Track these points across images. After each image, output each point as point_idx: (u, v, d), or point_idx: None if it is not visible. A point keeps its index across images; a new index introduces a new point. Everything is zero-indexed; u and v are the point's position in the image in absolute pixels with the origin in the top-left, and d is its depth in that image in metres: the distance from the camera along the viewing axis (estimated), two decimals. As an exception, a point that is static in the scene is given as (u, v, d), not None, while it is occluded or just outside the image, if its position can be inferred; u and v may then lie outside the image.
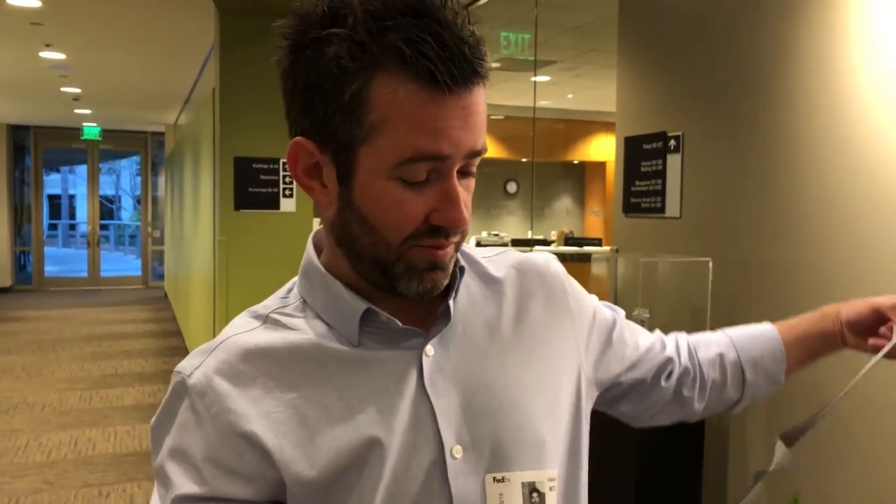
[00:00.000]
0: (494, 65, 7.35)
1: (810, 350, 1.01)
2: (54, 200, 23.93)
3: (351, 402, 0.72)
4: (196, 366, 0.73)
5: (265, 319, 0.76)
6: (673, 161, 3.04)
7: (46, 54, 6.69)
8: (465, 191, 0.70)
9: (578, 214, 11.68)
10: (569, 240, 9.74)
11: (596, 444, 0.90)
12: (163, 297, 11.77)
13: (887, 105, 2.21)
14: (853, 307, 0.97)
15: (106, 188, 22.47)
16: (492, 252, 0.87)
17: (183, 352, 7.63)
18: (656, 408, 0.96)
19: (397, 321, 0.73)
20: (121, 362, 7.18)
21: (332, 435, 0.70)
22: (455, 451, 0.72)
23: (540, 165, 10.94)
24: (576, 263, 6.18)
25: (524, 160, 10.57)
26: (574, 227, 11.23)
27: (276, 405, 0.71)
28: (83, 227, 15.05)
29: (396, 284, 0.72)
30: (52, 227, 23.14)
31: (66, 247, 22.00)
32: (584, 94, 9.01)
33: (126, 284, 13.61)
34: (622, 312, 0.96)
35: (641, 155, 3.22)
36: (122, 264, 16.61)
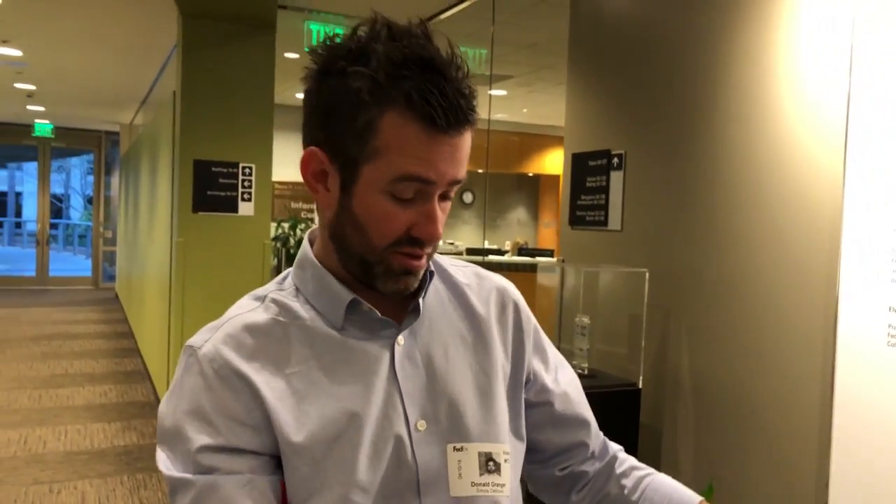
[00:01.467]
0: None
1: None
2: (0, 198, 23.31)
3: (335, 379, 0.85)
4: (206, 339, 0.86)
5: (263, 300, 0.90)
6: (616, 178, 3.24)
7: (2, 50, 6.64)
8: (441, 212, 0.86)
9: (532, 226, 11.93)
10: (522, 250, 9.96)
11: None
12: (114, 299, 11.62)
13: (811, 127, 2.42)
14: None
15: (55, 186, 21.97)
16: (459, 263, 1.03)
17: (135, 353, 7.60)
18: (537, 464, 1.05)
19: (377, 311, 0.88)
20: (71, 362, 7.12)
21: (319, 406, 0.84)
22: (419, 425, 0.86)
23: (495, 177, 11.14)
24: (528, 273, 6.37)
25: (480, 171, 10.76)
26: (528, 237, 11.47)
27: (273, 376, 0.84)
28: (31, 226, 14.74)
29: (375, 282, 0.86)
30: (-2, 224, 22.54)
31: (12, 245, 21.45)
32: (538, 109, 9.27)
33: (76, 285, 13.38)
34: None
35: (587, 171, 3.41)
36: (71, 264, 16.30)
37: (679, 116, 2.93)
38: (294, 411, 0.83)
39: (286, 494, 0.83)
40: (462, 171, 0.85)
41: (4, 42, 6.39)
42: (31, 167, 14.05)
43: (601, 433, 1.09)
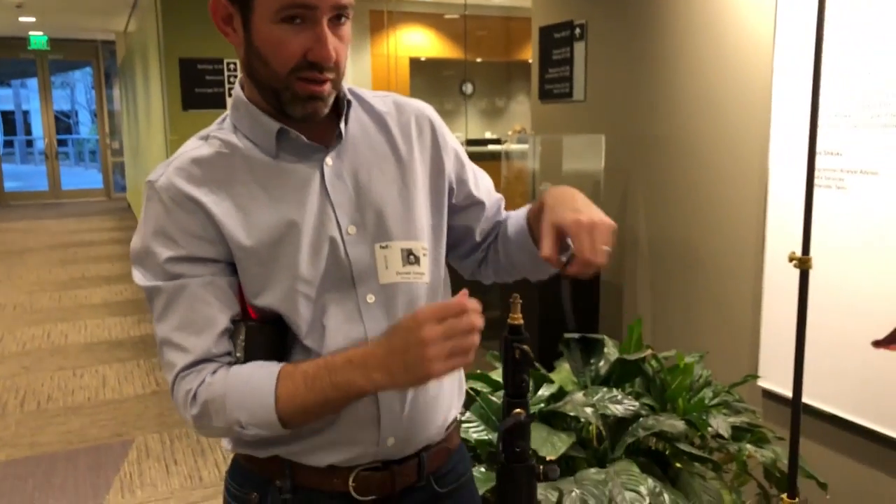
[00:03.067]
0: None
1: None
2: (8, 116, 23.34)
3: (274, 195, 1.01)
4: (161, 174, 1.02)
5: (207, 138, 1.05)
6: (579, 49, 3.32)
7: (-16, -41, 6.60)
8: (336, 38, 0.97)
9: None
10: (521, 138, 9.98)
11: (502, 286, 1.16)
12: (126, 208, 11.90)
13: (748, 4, 2.49)
14: (545, 218, 1.01)
15: (62, 103, 21.95)
16: (380, 94, 1.15)
17: (147, 255, 7.90)
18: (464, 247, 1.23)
19: (303, 137, 1.02)
20: (88, 266, 7.45)
21: (263, 216, 1.00)
22: (350, 230, 1.03)
23: (494, 65, 11.01)
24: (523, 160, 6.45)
25: (479, 60, 10.64)
26: (529, 125, 11.45)
27: (221, 197, 1.00)
28: (41, 144, 14.88)
29: (286, 108, 0.99)
30: (8, 143, 22.68)
31: (24, 163, 21.67)
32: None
33: (88, 197, 13.66)
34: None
35: (553, 43, 3.48)
36: (83, 178, 16.53)
37: (634, -18, 2.98)
38: (241, 223, 1.00)
39: (243, 293, 1.02)
40: None
41: (-15, -50, 6.35)
42: (34, 83, 14.03)
43: (506, 212, 1.23)
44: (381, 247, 1.04)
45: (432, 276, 1.09)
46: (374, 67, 9.45)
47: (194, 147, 1.04)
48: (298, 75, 0.96)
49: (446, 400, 1.11)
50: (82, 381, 4.25)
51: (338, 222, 1.02)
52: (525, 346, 0.95)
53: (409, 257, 1.05)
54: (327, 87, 0.98)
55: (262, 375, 0.95)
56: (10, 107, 23.20)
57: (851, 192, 2.21)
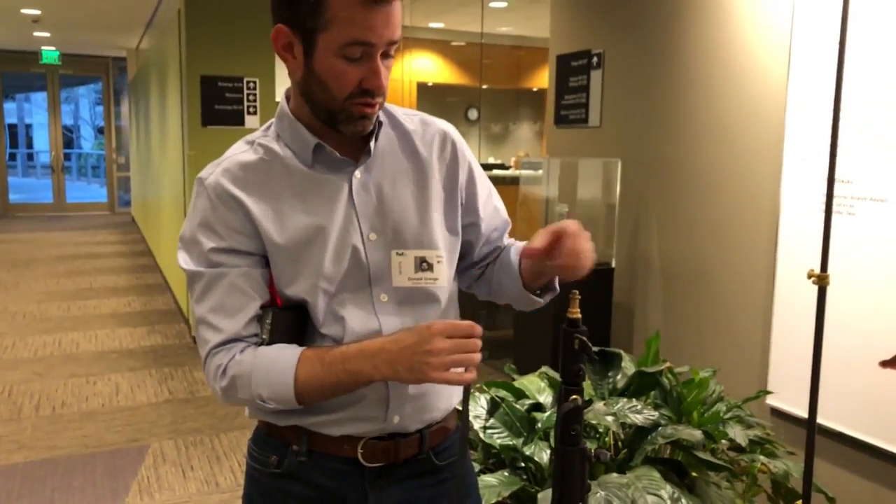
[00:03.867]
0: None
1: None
2: (10, 129, 23.42)
3: (306, 201, 1.14)
4: (211, 173, 1.15)
5: (253, 143, 1.18)
6: (595, 76, 3.44)
7: (8, -25, 6.75)
8: (385, 69, 1.11)
9: (537, 140, 12.05)
10: (526, 164, 10.12)
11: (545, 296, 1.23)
12: (130, 223, 11.99)
13: (767, 26, 2.62)
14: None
15: (65, 118, 22.07)
16: (410, 112, 1.28)
17: (154, 268, 7.98)
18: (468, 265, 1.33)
19: (337, 153, 1.15)
20: (95, 278, 7.51)
21: (295, 219, 1.13)
22: (371, 237, 1.16)
23: (500, 92, 11.21)
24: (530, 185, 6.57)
25: (485, 87, 10.83)
26: (534, 151, 11.61)
27: (260, 198, 1.13)
28: (43, 157, 14.99)
29: (339, 126, 1.13)
30: (11, 157, 22.75)
31: (25, 176, 21.74)
32: (542, 22, 9.25)
33: (92, 210, 13.75)
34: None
35: (570, 71, 3.61)
36: (85, 192, 16.62)
37: (650, 17, 3.11)
38: (276, 224, 1.13)
39: (273, 284, 1.14)
40: (396, 33, 1.09)
41: (9, -34, 6.50)
42: (39, 98, 14.20)
43: (510, 239, 1.36)
44: (398, 253, 1.16)
45: (448, 280, 1.22)
46: (383, 90, 9.61)
47: (241, 151, 1.18)
48: (353, 100, 1.09)
49: (448, 389, 1.23)
50: (95, 388, 4.31)
51: (360, 229, 1.15)
52: (584, 337, 1.04)
53: (423, 264, 1.18)
54: (376, 108, 1.12)
55: (285, 357, 1.08)
56: (12, 120, 23.32)
57: (861, 218, 2.32)
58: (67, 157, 19.91)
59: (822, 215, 2.40)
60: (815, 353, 1.92)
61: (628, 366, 2.41)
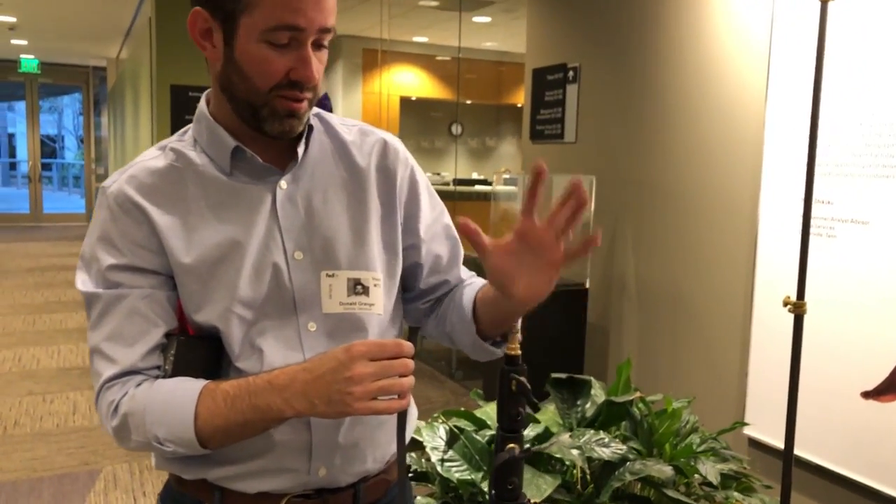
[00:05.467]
0: (432, 3, 7.50)
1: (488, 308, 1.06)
2: (-7, 138, 23.20)
3: (221, 214, 0.99)
4: (114, 181, 1.01)
5: (164, 149, 1.04)
6: (571, 91, 3.34)
7: (-21, -20, 6.61)
8: (317, 60, 0.97)
9: (521, 156, 11.98)
10: (507, 180, 10.04)
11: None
12: (107, 234, 11.77)
13: (738, 46, 2.53)
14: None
15: (48, 127, 21.87)
16: (349, 122, 1.14)
17: (126, 282, 7.79)
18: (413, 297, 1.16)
19: (259, 158, 1.01)
20: (64, 291, 7.32)
21: (206, 234, 0.98)
22: (296, 255, 1.01)
23: (483, 107, 11.14)
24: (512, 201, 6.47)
25: (468, 102, 10.76)
26: (516, 167, 11.54)
27: (168, 210, 0.98)
28: (24, 167, 14.77)
29: (263, 124, 0.98)
30: (-9, 165, 22.50)
31: (6, 186, 21.48)
32: (524, 38, 9.19)
33: (69, 221, 13.52)
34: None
35: (546, 85, 3.51)
36: (66, 203, 16.40)
37: (628, 32, 3.02)
38: (184, 239, 0.98)
39: (182, 308, 0.99)
40: (329, 20, 0.96)
41: (-19, -29, 6.37)
42: (22, 107, 13.99)
43: (466, 270, 1.20)
44: (328, 275, 1.02)
45: (385, 307, 1.06)
46: (365, 104, 9.53)
47: (150, 157, 1.03)
48: (279, 93, 0.95)
49: (389, 431, 1.06)
50: (52, 407, 4.13)
51: (284, 247, 1.00)
52: (521, 378, 0.91)
53: (357, 287, 1.03)
54: (304, 105, 0.98)
55: (184, 391, 0.93)
56: (-5, 129, 23.07)
57: (842, 241, 2.21)
58: (48, 167, 19.70)
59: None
60: (791, 383, 1.81)
61: (598, 394, 2.28)
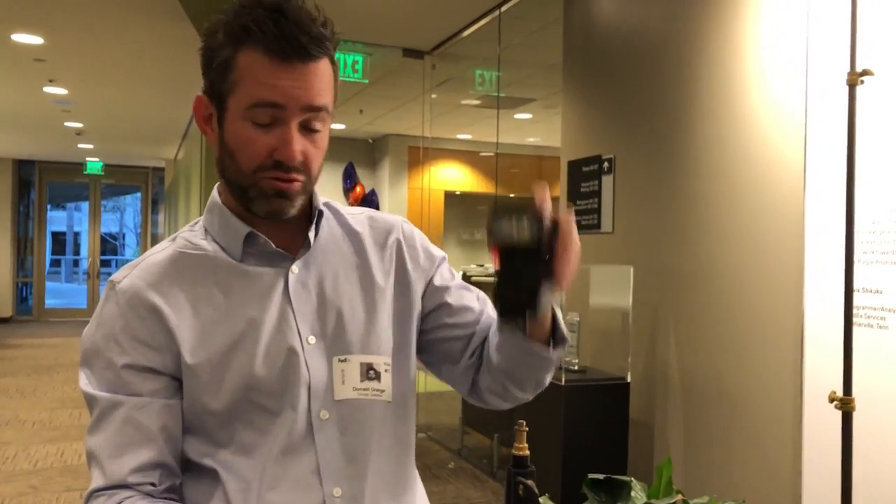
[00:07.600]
0: (474, 102, 7.71)
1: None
2: (59, 237, 24.24)
3: (233, 301, 0.98)
4: (125, 276, 1.00)
5: (174, 240, 1.04)
6: (607, 182, 3.33)
7: (49, 89, 7.07)
8: (311, 144, 0.96)
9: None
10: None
11: (524, 405, 1.05)
12: (159, 328, 11.99)
13: (774, 122, 2.50)
14: None
15: (110, 226, 22.82)
16: (356, 210, 1.14)
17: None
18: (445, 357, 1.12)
19: (272, 244, 1.00)
20: (112, 385, 7.40)
21: (219, 323, 0.97)
22: (310, 339, 0.99)
23: (525, 200, 11.21)
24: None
25: (511, 195, 10.87)
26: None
27: (178, 300, 0.97)
28: (85, 263, 15.33)
29: (252, 205, 0.97)
30: (56, 262, 23.42)
31: (69, 282, 22.24)
32: (565, 131, 9.32)
33: (124, 316, 13.84)
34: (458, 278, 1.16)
35: (581, 177, 3.51)
36: (122, 298, 16.81)
37: (661, 120, 3.02)
38: (196, 330, 0.96)
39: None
40: (318, 99, 0.94)
41: (51, 82, 6.81)
42: (87, 207, 14.66)
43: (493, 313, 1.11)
44: (340, 360, 0.99)
45: (394, 394, 1.03)
46: (410, 199, 9.73)
47: (160, 249, 1.03)
48: (264, 174, 0.94)
49: None
50: (88, 504, 4.09)
51: (298, 330, 0.98)
52: (529, 482, 0.85)
53: (369, 372, 1.00)
54: (295, 185, 0.96)
55: None
56: (62, 228, 24.14)
57: (895, 332, 2.09)
58: (108, 263, 20.40)
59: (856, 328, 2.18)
60: (843, 486, 1.67)
61: (639, 496, 2.14)
